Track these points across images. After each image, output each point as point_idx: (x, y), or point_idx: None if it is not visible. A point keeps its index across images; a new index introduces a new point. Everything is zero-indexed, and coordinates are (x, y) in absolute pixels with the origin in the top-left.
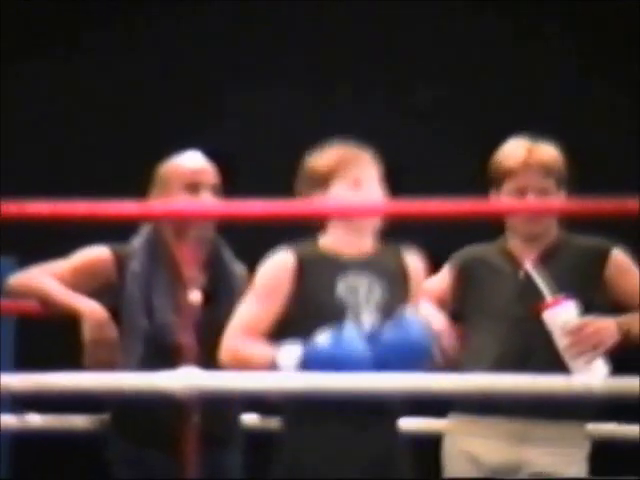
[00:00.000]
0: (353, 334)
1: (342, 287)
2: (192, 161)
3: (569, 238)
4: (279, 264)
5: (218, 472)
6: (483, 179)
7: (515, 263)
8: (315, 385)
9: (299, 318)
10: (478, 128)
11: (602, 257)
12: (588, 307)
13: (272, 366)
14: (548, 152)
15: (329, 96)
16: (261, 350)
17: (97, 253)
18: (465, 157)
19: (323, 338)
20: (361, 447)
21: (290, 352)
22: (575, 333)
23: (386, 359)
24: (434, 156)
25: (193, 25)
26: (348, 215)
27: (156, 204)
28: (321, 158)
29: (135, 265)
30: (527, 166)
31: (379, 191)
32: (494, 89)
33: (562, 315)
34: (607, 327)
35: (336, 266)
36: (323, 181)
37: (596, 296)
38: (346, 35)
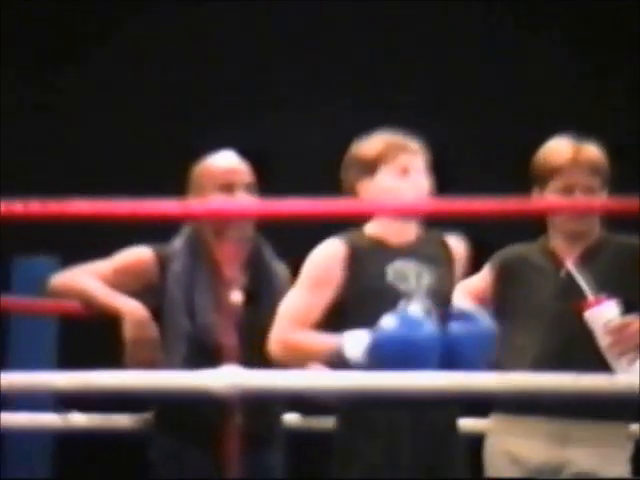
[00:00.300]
0: (419, 314)
1: (392, 274)
2: (225, 161)
3: (610, 237)
4: (330, 253)
5: (259, 472)
6: (516, 178)
7: (557, 262)
8: (359, 384)
9: (352, 306)
10: (509, 129)
11: None
12: (630, 306)
13: (336, 355)
14: (594, 151)
15: (362, 94)
16: (321, 339)
17: (139, 253)
18: (495, 157)
19: (389, 321)
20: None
21: (357, 339)
22: (617, 332)
23: (455, 348)
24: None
25: (218, 21)
26: (389, 213)
27: (196, 203)
28: (369, 145)
29: (176, 265)
30: (575, 164)
31: (426, 180)
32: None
33: (604, 314)
34: None
35: (384, 253)
36: (370, 168)
37: (638, 295)
38: (369, 35)
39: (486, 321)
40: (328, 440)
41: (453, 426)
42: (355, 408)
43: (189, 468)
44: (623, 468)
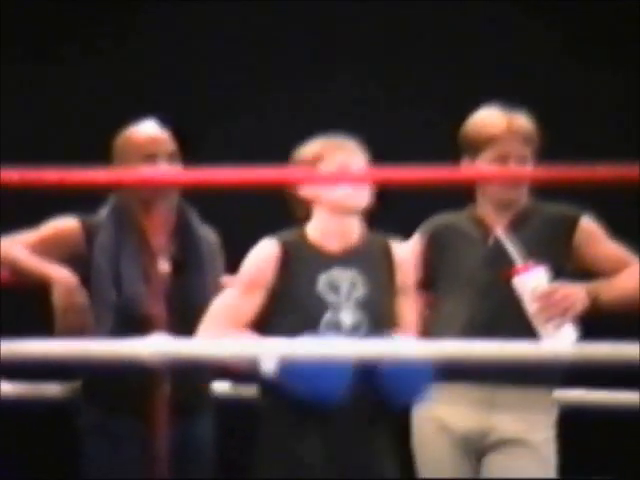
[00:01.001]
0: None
1: (323, 283)
2: (147, 130)
3: (538, 206)
4: (264, 255)
5: (188, 439)
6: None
7: (485, 230)
8: (289, 352)
9: (278, 312)
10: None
11: (571, 224)
12: (558, 273)
13: (252, 364)
14: (526, 121)
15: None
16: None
17: (65, 223)
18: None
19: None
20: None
21: (271, 355)
22: (544, 299)
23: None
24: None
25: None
26: (318, 182)
27: (123, 172)
28: (309, 146)
29: (103, 235)
30: (510, 134)
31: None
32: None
33: (532, 281)
34: (576, 293)
35: (320, 260)
36: (310, 167)
37: (566, 262)
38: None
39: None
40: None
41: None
42: (278, 384)
43: (117, 437)
44: (547, 433)
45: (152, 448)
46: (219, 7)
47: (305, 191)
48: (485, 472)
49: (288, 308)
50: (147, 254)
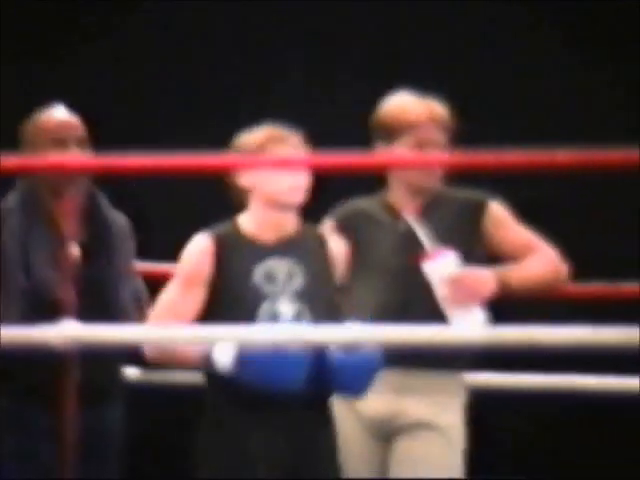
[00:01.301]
0: (295, 355)
1: (260, 274)
2: (57, 116)
3: (448, 191)
4: (198, 249)
5: (98, 425)
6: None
7: (396, 215)
8: (206, 336)
9: (217, 304)
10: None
11: (480, 209)
12: (467, 258)
13: (206, 361)
14: (443, 108)
15: None
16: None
17: None
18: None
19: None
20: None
21: (224, 349)
22: (454, 283)
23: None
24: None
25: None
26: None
27: (33, 158)
28: (251, 136)
29: (11, 221)
30: (430, 120)
31: (304, 171)
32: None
33: (441, 266)
34: (485, 277)
35: (255, 251)
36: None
37: (475, 247)
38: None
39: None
40: (169, 394)
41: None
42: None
43: (27, 425)
44: (457, 416)
45: (61, 435)
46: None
47: (243, 180)
48: (394, 455)
49: (225, 301)
50: (57, 239)
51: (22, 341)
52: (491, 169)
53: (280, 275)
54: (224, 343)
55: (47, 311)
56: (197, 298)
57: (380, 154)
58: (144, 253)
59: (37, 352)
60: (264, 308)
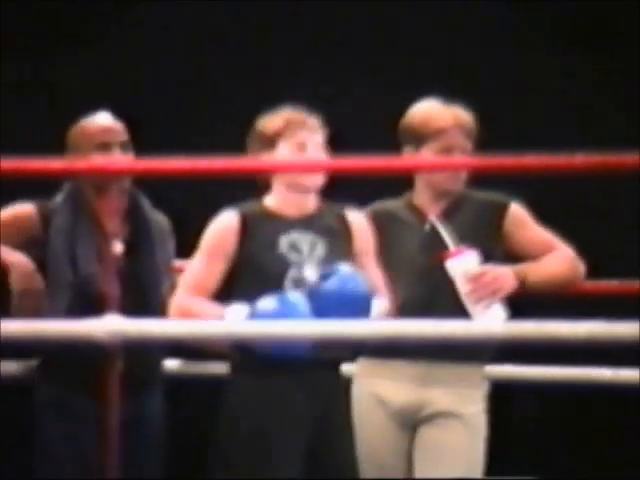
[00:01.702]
0: (297, 301)
1: (284, 244)
2: (101, 121)
3: (470, 194)
4: (223, 224)
5: (140, 415)
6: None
7: (421, 217)
8: (236, 333)
9: (244, 275)
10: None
11: (501, 211)
12: (488, 257)
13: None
14: (468, 116)
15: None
16: (210, 309)
17: (21, 209)
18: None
19: (268, 303)
20: (301, 399)
21: (237, 312)
22: (475, 280)
23: (326, 310)
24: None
25: None
26: (266, 170)
27: (78, 161)
28: (270, 120)
29: (59, 219)
30: (457, 127)
31: (322, 156)
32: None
33: (464, 264)
34: (505, 275)
35: (279, 224)
36: (270, 142)
37: (495, 247)
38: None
39: (355, 282)
40: (208, 385)
41: (339, 383)
42: (247, 360)
43: (72, 413)
44: (478, 406)
45: (105, 424)
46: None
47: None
48: (419, 442)
49: (253, 269)
50: (101, 236)
51: (68, 334)
52: (512, 172)
53: (304, 245)
54: (236, 310)
55: (91, 304)
56: (219, 269)
57: (406, 158)
58: (184, 253)
59: (82, 344)
60: (290, 274)
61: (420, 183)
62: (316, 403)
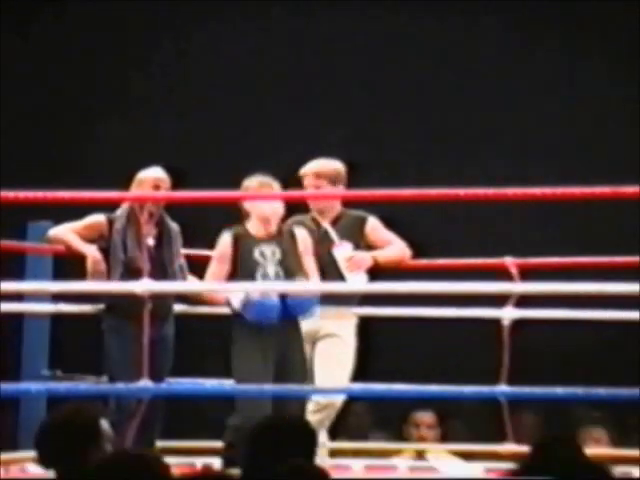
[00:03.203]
0: (271, 300)
1: (257, 253)
2: (156, 173)
3: (346, 211)
4: (224, 240)
5: (162, 336)
6: None
7: (318, 224)
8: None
9: (235, 270)
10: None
11: (364, 221)
12: (356, 247)
13: (227, 303)
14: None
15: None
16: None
17: (97, 217)
18: None
19: (255, 297)
20: (271, 340)
21: (236, 297)
22: (349, 260)
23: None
24: None
25: None
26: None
27: (133, 195)
28: (250, 181)
29: (118, 225)
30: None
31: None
32: None
33: (343, 251)
34: (366, 257)
35: (254, 241)
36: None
37: (360, 241)
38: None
39: (311, 301)
40: (200, 322)
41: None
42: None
43: (123, 334)
44: (350, 330)
45: (141, 340)
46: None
47: (247, 206)
48: (317, 351)
49: (240, 268)
50: (141, 236)
51: (120, 290)
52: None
53: (268, 253)
54: (237, 294)
55: (135, 274)
56: (225, 269)
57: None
58: (186, 245)
59: (128, 296)
60: (260, 271)
61: (313, 205)
62: (281, 342)
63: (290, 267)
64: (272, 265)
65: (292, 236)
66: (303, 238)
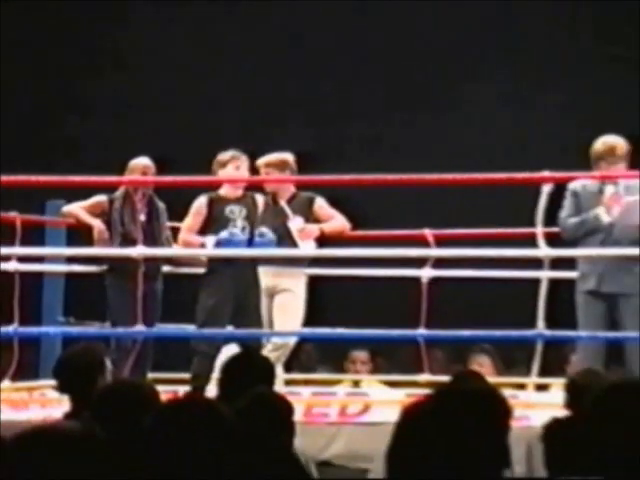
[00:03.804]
0: (239, 235)
1: (228, 210)
2: (144, 161)
3: (299, 192)
4: (199, 200)
5: (154, 291)
6: None
7: (276, 202)
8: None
9: (211, 224)
10: None
11: (312, 200)
12: (307, 221)
13: (203, 245)
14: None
15: None
16: (197, 240)
17: (100, 198)
18: None
19: (225, 234)
20: (232, 284)
21: (211, 240)
22: (301, 231)
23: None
24: None
25: None
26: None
27: (128, 179)
28: (223, 155)
29: (116, 204)
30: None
31: (244, 173)
32: None
33: (295, 224)
34: (314, 228)
35: (225, 201)
36: (223, 165)
37: (310, 216)
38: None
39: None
40: (182, 279)
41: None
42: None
43: (122, 289)
44: (301, 286)
45: (136, 293)
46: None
47: (219, 174)
48: (275, 303)
49: (214, 223)
50: (135, 212)
51: (120, 254)
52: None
53: (236, 211)
54: (209, 238)
55: (130, 243)
56: (199, 221)
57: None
58: (171, 219)
59: (125, 259)
60: (231, 225)
61: (269, 189)
62: (239, 287)
63: (253, 221)
64: (240, 220)
65: (253, 199)
66: (261, 201)
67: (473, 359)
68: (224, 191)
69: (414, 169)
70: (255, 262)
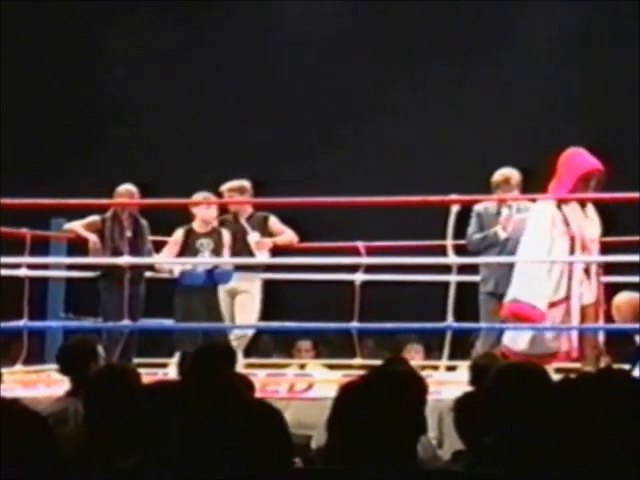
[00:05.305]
0: (198, 272)
1: (198, 243)
2: (129, 187)
3: (255, 212)
4: (178, 233)
5: (138, 292)
6: None
7: (236, 221)
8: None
9: (184, 253)
10: None
11: (267, 219)
12: (262, 235)
13: (171, 271)
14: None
15: None
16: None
17: (94, 218)
18: None
19: (188, 269)
20: (199, 299)
21: (177, 269)
22: (258, 244)
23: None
24: None
25: None
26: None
27: (116, 202)
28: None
29: (107, 222)
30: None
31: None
32: None
33: (253, 238)
34: (268, 242)
35: (197, 236)
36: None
37: (265, 232)
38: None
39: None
40: (160, 283)
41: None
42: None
43: (112, 291)
44: (257, 288)
45: (123, 294)
46: None
47: (193, 211)
48: (235, 303)
49: (186, 252)
50: (122, 229)
51: (110, 262)
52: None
53: (205, 244)
54: (178, 267)
55: (119, 254)
56: (175, 250)
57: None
58: (152, 234)
59: (114, 267)
60: (200, 254)
61: (232, 209)
62: (203, 299)
63: (218, 252)
64: (207, 252)
65: (219, 233)
66: (226, 235)
67: (410, 347)
68: (197, 226)
69: (348, 192)
70: (216, 286)
